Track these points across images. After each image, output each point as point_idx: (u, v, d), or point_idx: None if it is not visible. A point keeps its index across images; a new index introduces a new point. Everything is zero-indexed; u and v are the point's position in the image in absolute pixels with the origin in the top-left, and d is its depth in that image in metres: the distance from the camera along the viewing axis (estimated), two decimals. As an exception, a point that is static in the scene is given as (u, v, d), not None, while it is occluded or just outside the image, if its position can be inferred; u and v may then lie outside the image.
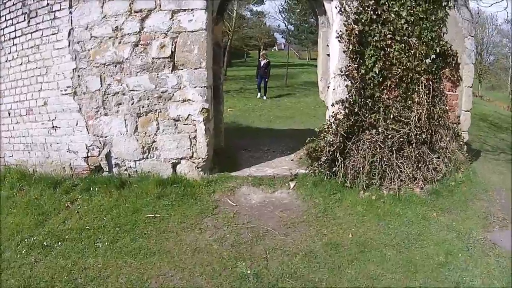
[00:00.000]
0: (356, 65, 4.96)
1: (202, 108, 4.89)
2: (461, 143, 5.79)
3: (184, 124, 4.95)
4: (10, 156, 5.97)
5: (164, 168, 5.08)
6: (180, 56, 4.80)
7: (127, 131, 5.01)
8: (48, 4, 5.13)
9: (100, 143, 5.12)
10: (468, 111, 5.87)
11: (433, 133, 5.41)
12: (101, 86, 4.96)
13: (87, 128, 5.14)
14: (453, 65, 5.62)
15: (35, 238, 4.06)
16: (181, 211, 4.57)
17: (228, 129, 8.30)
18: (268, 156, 6.08)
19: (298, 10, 26.78)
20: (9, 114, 5.85)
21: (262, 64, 14.83)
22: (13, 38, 5.61)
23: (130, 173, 5.14)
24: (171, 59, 4.81)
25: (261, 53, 16.53)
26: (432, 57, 5.29)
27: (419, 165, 5.23)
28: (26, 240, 4.04)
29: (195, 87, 4.84)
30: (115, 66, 4.88)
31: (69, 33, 5.00)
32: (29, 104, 5.55)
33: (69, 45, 5.03)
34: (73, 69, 5.05)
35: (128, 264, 3.71)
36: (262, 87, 14.85)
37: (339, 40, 5.04)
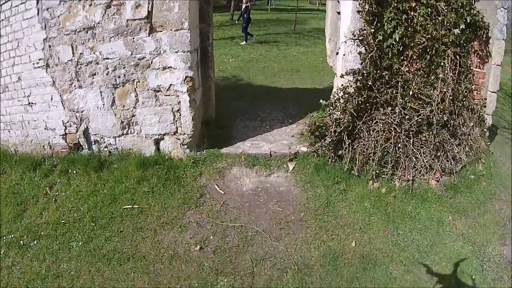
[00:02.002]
0: (372, 29, 3.62)
1: (186, 77, 3.70)
2: (485, 129, 4.43)
3: (166, 96, 3.79)
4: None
5: (146, 145, 4.00)
6: (159, 16, 3.55)
7: (103, 104, 3.88)
8: (15, -30, 3.86)
9: (76, 118, 4.03)
10: (495, 92, 4.50)
11: (456, 116, 4.08)
12: (73, 56, 3.79)
13: (62, 103, 4.03)
14: (483, 38, 4.22)
15: (12, 236, 3.39)
16: (162, 201, 3.58)
17: (226, 86, 6.86)
18: (267, 126, 4.76)
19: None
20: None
21: (242, 8, 12.39)
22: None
23: (110, 150, 4.10)
24: (148, 20, 3.57)
25: None
26: (461, 27, 3.88)
27: (438, 154, 3.99)
28: (4, 238, 3.37)
29: (176, 52, 3.62)
30: (87, 32, 3.67)
31: (38, 0, 3.77)
32: (4, 81, 4.45)
33: (38, 13, 3.84)
34: (43, 39, 3.88)
35: (101, 273, 3.00)
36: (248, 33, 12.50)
37: (352, -4, 3.65)
